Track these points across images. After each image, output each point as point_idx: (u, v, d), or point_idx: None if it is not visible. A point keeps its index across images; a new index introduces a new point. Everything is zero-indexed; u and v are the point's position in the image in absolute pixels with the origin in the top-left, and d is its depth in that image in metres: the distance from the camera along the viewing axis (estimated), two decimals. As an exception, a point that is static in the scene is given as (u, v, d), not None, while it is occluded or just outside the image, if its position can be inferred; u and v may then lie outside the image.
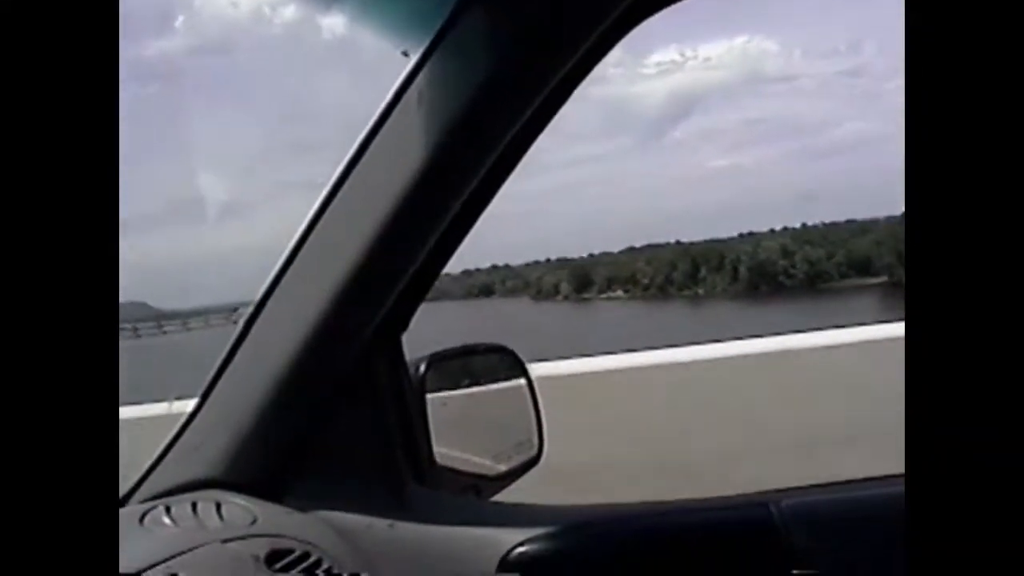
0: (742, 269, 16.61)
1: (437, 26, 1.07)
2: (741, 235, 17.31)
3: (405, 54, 1.10)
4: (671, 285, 17.33)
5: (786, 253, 15.85)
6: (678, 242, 17.84)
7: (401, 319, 1.22)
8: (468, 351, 1.37)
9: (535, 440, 1.34)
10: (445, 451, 1.23)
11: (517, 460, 1.33)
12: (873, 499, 1.17)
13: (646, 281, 17.61)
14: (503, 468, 1.31)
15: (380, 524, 1.16)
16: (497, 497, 1.31)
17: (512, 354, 1.37)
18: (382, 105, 1.10)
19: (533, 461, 1.33)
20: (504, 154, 1.13)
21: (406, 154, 1.08)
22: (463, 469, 1.28)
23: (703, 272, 17.07)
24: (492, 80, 1.07)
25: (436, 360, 1.25)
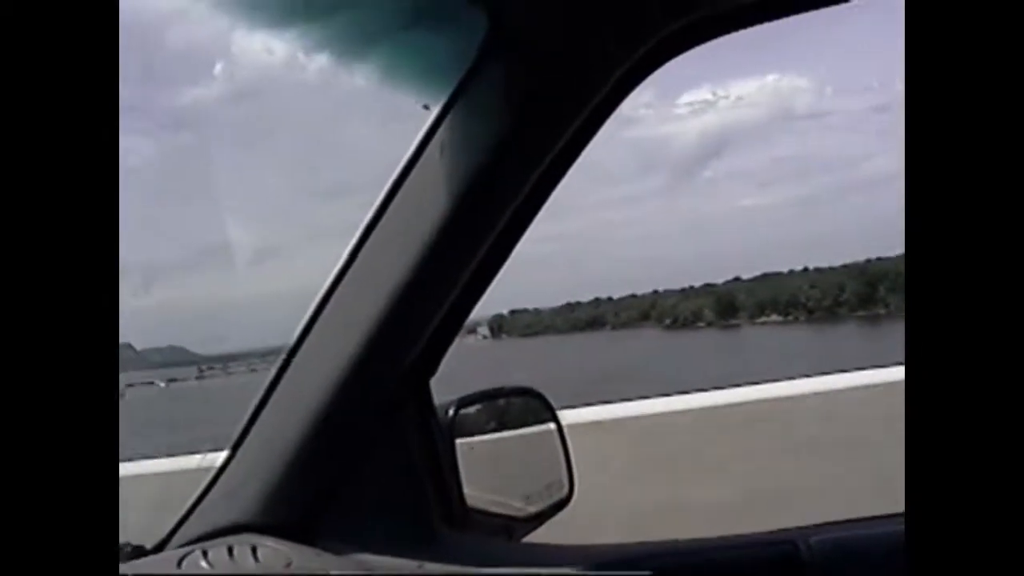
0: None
1: (457, 79, 1.41)
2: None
3: (426, 107, 1.42)
4: (842, 307, 17.46)
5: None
6: (796, 270, 18.14)
7: (429, 364, 1.56)
8: (496, 394, 1.70)
9: (565, 480, 1.65)
10: (475, 493, 1.54)
11: (548, 501, 1.65)
12: (903, 535, 1.43)
13: (811, 304, 17.80)
14: (534, 509, 1.64)
15: (411, 566, 1.48)
16: (528, 538, 1.61)
17: (540, 396, 1.70)
18: (405, 156, 1.44)
19: (564, 501, 1.65)
20: (526, 200, 1.47)
21: (431, 204, 1.42)
22: (494, 511, 1.59)
23: (881, 291, 17.20)
24: (513, 127, 1.41)
25: (464, 404, 1.58)
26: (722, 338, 18.07)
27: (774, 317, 18.00)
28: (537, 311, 19.19)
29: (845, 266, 17.82)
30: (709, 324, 18.37)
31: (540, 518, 1.65)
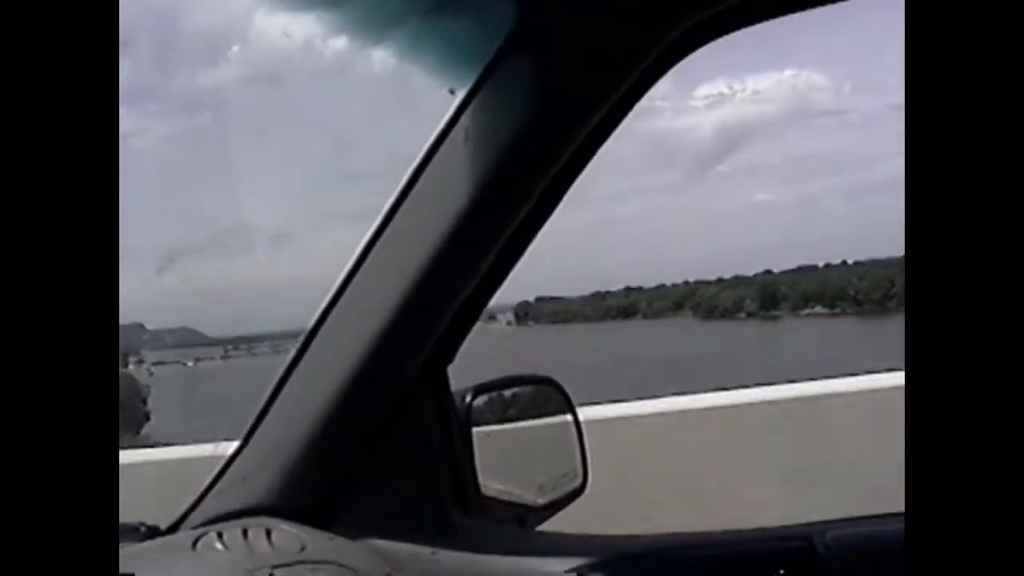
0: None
1: (483, 64, 1.41)
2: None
3: (452, 92, 1.43)
4: (891, 300, 17.39)
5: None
6: (833, 264, 18.07)
7: (447, 351, 1.57)
8: (513, 382, 1.71)
9: (579, 470, 1.65)
10: (490, 481, 1.54)
11: (562, 490, 1.65)
12: None
13: (860, 296, 17.75)
14: (548, 498, 1.64)
15: (426, 552, 1.50)
16: (542, 527, 1.61)
17: (556, 385, 1.70)
18: (428, 142, 1.45)
19: (578, 491, 1.66)
20: (549, 189, 1.47)
21: (453, 189, 1.43)
22: (508, 499, 1.60)
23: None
24: (537, 116, 1.42)
25: (481, 391, 1.59)
26: (772, 329, 17.92)
27: (819, 309, 17.92)
28: (563, 299, 19.20)
29: (885, 261, 17.75)
30: (750, 315, 18.26)
31: (554, 507, 1.66)
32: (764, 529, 1.53)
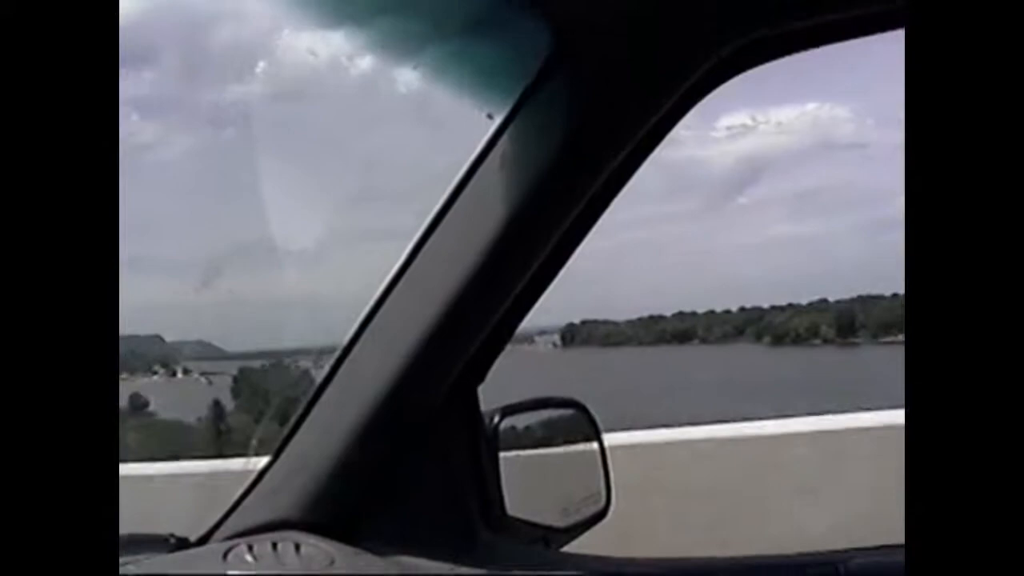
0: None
1: (520, 89, 1.42)
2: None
3: (490, 116, 1.44)
4: None
5: None
6: (899, 294, 17.88)
7: (478, 371, 1.58)
8: (541, 404, 1.71)
9: (603, 494, 1.66)
10: (514, 501, 1.55)
11: (585, 513, 1.65)
12: None
13: None
14: (571, 521, 1.63)
15: (451, 570, 1.49)
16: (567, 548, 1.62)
17: (583, 408, 1.70)
18: (465, 166, 1.45)
19: (601, 515, 1.66)
20: (582, 214, 1.48)
21: (488, 213, 1.44)
22: (532, 520, 1.60)
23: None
24: (572, 142, 1.43)
25: (509, 412, 1.59)
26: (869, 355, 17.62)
27: (901, 337, 17.67)
28: (607, 322, 18.94)
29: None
30: (827, 341, 17.98)
31: (577, 530, 1.66)
32: (789, 555, 1.52)
